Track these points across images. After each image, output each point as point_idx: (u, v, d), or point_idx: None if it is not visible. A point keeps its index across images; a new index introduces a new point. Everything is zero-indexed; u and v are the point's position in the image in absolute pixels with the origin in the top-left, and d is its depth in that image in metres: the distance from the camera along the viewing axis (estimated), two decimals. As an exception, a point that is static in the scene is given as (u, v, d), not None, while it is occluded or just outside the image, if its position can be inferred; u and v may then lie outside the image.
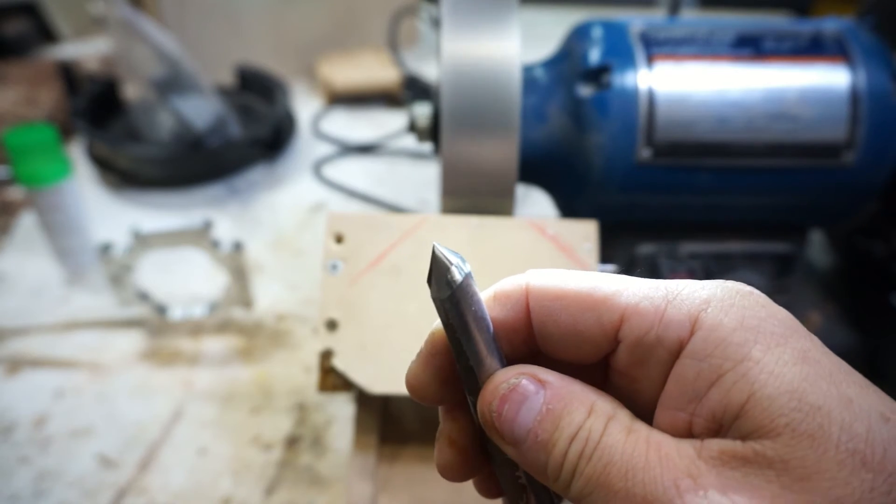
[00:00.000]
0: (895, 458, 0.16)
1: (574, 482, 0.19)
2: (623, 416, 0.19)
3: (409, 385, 0.22)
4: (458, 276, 0.20)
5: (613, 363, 0.21)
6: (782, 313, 0.19)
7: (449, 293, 0.20)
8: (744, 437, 0.17)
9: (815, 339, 0.19)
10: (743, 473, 0.17)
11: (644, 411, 0.20)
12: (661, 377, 0.20)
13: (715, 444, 0.18)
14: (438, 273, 0.20)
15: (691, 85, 0.51)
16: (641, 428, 0.19)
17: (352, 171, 0.89)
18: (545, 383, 0.20)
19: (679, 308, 0.19)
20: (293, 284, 0.70)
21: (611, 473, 0.18)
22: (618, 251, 0.56)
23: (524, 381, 0.20)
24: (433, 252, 0.20)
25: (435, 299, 0.20)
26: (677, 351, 0.19)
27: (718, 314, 0.18)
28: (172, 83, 0.85)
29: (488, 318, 0.21)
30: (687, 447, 0.18)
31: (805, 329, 0.19)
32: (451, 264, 0.20)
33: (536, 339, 0.21)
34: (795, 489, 0.16)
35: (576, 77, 0.52)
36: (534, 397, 0.20)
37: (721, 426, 0.18)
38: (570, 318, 0.20)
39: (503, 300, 0.21)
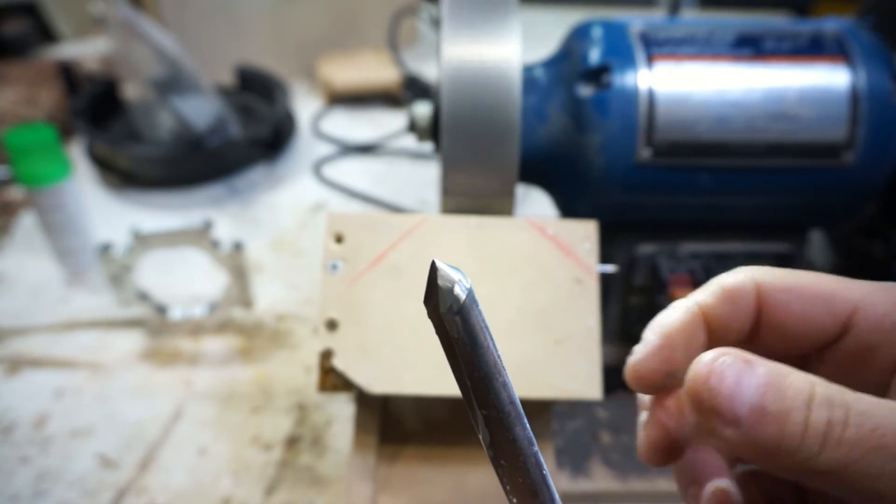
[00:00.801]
0: None
1: (825, 452, 0.17)
2: (847, 388, 0.18)
3: (635, 373, 0.22)
4: (465, 287, 0.20)
5: (831, 356, 0.21)
6: None
7: (459, 306, 0.20)
8: None
9: None
10: None
11: None
12: (892, 365, 0.20)
13: None
14: (444, 287, 0.20)
15: (691, 85, 0.51)
16: (873, 399, 0.18)
17: (352, 171, 0.89)
18: (751, 361, 0.19)
19: None
20: (293, 284, 0.70)
21: (886, 435, 0.17)
22: (618, 251, 0.56)
23: (731, 359, 0.19)
24: (434, 268, 0.20)
25: (443, 314, 0.20)
26: None
27: None
28: (172, 83, 0.85)
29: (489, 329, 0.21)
30: None
31: None
32: (455, 278, 0.20)
33: (761, 331, 0.22)
34: None
35: (576, 77, 0.52)
36: (749, 372, 0.19)
37: None
38: (801, 308, 0.21)
39: (732, 296, 0.22)
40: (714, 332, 0.22)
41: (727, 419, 0.18)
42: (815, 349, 0.22)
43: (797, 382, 0.18)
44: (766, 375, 0.18)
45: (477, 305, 0.20)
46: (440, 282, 0.20)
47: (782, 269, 0.22)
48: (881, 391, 0.20)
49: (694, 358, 0.20)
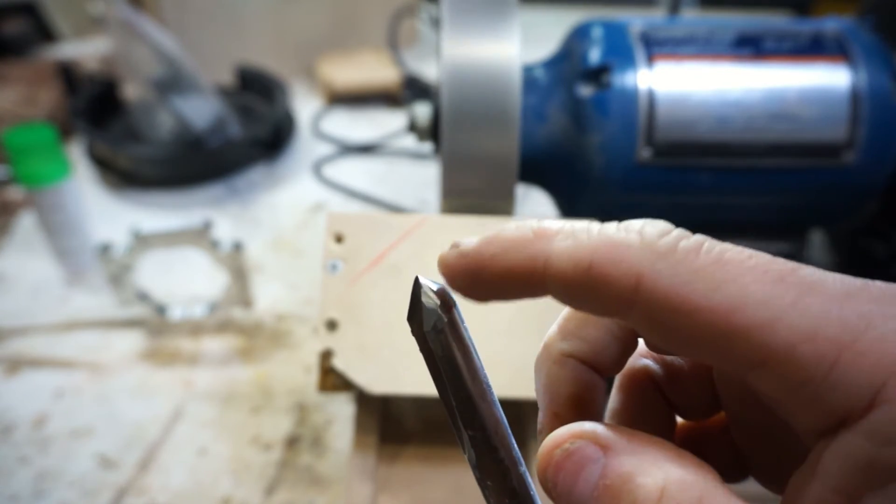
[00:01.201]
0: None
1: None
2: (718, 498, 0.15)
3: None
4: (449, 304, 0.19)
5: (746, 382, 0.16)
6: None
7: (443, 325, 0.19)
8: None
9: None
10: None
11: (776, 422, 0.16)
12: (811, 430, 0.15)
13: None
14: (427, 305, 0.19)
15: (691, 85, 0.51)
16: None
17: (352, 171, 0.89)
18: (607, 449, 0.16)
19: (857, 368, 0.14)
20: (293, 284, 0.70)
21: None
22: (618, 251, 0.56)
23: (582, 446, 0.17)
24: (417, 285, 0.20)
25: (427, 333, 0.20)
26: (843, 419, 0.14)
27: None
28: (172, 83, 0.85)
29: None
30: None
31: None
32: (439, 297, 0.19)
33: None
34: None
35: (576, 77, 0.52)
36: (592, 466, 0.16)
37: None
38: (696, 338, 0.16)
39: (598, 290, 0.17)
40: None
41: None
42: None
43: (639, 489, 0.15)
44: (606, 475, 0.16)
45: (463, 322, 0.19)
46: (424, 299, 0.19)
47: (692, 257, 0.16)
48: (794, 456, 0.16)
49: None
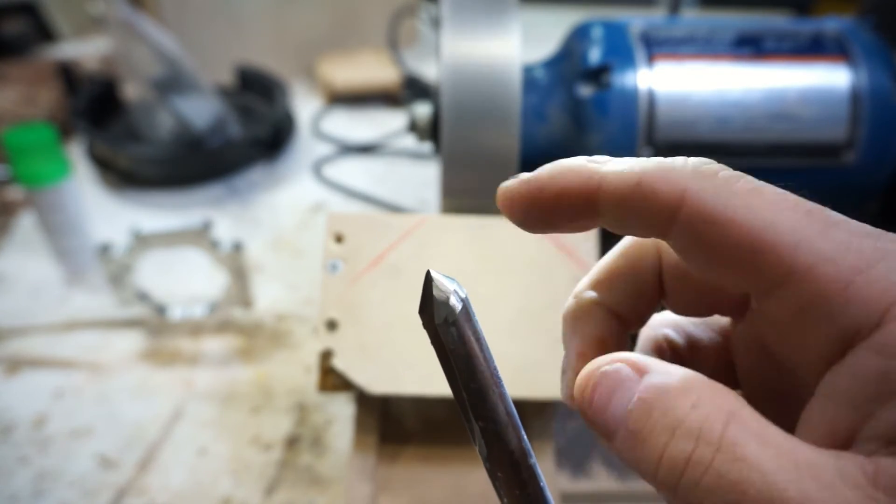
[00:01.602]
0: None
1: (680, 490, 0.15)
2: (750, 418, 0.15)
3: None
4: (461, 297, 0.20)
5: (763, 312, 0.17)
6: None
7: (455, 317, 0.20)
8: None
9: None
10: None
11: (789, 386, 0.18)
12: (821, 358, 0.16)
13: (894, 468, 0.14)
14: (439, 298, 0.20)
15: (691, 85, 0.51)
16: (779, 437, 0.15)
17: (352, 171, 0.89)
18: (645, 371, 0.17)
19: (872, 287, 0.15)
20: (293, 284, 0.70)
21: (746, 492, 0.14)
22: (618, 251, 0.56)
23: (620, 367, 0.17)
24: (428, 278, 0.20)
25: (439, 325, 0.20)
26: (852, 337, 0.15)
27: None
28: (172, 83, 0.85)
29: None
30: (853, 469, 0.14)
31: None
32: (451, 288, 0.20)
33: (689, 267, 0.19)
34: None
35: (576, 77, 0.52)
36: (629, 384, 0.17)
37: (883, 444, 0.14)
38: (726, 252, 0.17)
39: (647, 197, 0.18)
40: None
41: (601, 432, 0.18)
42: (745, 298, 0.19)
43: (673, 399, 0.16)
44: (642, 391, 0.17)
45: (473, 315, 0.20)
46: (435, 292, 0.20)
47: (736, 182, 0.17)
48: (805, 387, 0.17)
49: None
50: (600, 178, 0.18)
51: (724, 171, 0.17)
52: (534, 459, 0.20)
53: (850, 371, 0.15)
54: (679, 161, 0.17)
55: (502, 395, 0.21)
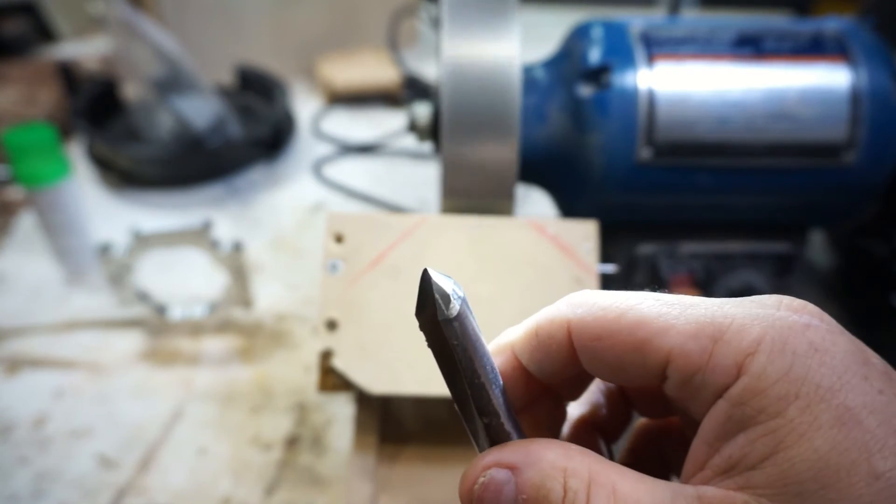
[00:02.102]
0: None
1: None
2: (607, 476, 0.19)
3: None
4: (460, 295, 0.20)
5: (664, 389, 0.21)
6: (840, 350, 0.18)
7: (456, 313, 0.20)
8: (750, 489, 0.17)
9: (876, 371, 0.18)
10: None
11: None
12: (705, 411, 0.19)
13: (711, 492, 0.18)
14: (440, 295, 0.20)
15: (691, 85, 0.51)
16: (628, 484, 0.18)
17: (352, 171, 0.89)
18: (514, 469, 0.20)
19: (727, 352, 0.18)
20: (293, 284, 0.70)
21: None
22: (618, 251, 0.56)
23: (493, 473, 0.20)
24: (426, 277, 0.20)
25: (441, 322, 0.20)
26: (722, 393, 0.18)
27: (765, 362, 0.18)
28: (172, 83, 0.85)
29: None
30: (683, 500, 0.18)
31: (866, 359, 0.18)
32: (450, 286, 0.20)
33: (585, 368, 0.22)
34: None
35: (576, 77, 0.52)
36: (507, 488, 0.19)
37: (734, 469, 0.18)
38: (616, 358, 0.20)
39: (547, 343, 0.22)
40: (534, 370, 0.23)
41: None
42: (647, 387, 0.22)
43: (550, 493, 0.19)
44: (521, 491, 0.19)
45: (471, 312, 0.20)
46: (435, 289, 0.20)
47: (602, 301, 0.20)
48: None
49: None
50: (512, 343, 0.23)
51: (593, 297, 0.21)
52: None
53: (710, 416, 0.19)
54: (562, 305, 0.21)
55: (504, 389, 0.21)
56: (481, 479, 0.20)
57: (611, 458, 0.24)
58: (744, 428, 0.18)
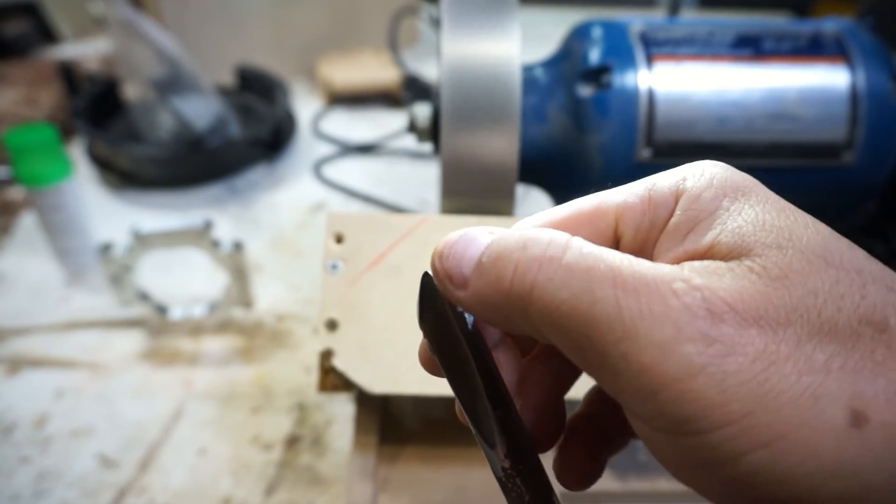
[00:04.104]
0: (852, 261, 0.18)
1: (536, 289, 0.18)
2: (588, 242, 0.19)
3: None
4: None
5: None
6: (742, 174, 0.21)
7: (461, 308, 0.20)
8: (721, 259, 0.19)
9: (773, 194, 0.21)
10: (731, 277, 0.18)
11: None
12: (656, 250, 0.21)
13: (696, 263, 0.18)
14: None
15: (691, 85, 0.51)
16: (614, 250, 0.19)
17: (352, 171, 0.89)
18: (495, 231, 0.20)
19: (661, 190, 0.21)
20: (293, 284, 0.70)
21: (593, 276, 0.18)
22: (618, 251, 0.56)
23: (475, 229, 0.20)
24: (427, 279, 0.20)
25: (457, 314, 0.20)
26: (667, 223, 0.20)
27: (693, 181, 0.20)
28: (172, 83, 0.85)
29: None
30: (669, 266, 0.19)
31: (765, 187, 0.21)
32: None
33: None
34: (777, 286, 0.17)
35: (576, 77, 0.52)
36: (478, 240, 0.20)
37: (695, 259, 0.19)
38: (585, 233, 0.21)
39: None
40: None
41: (456, 282, 0.20)
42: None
43: (515, 233, 0.19)
44: (492, 236, 0.20)
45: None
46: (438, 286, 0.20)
47: (544, 214, 0.22)
48: None
49: None
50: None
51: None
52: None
53: (663, 236, 0.20)
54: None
55: (506, 385, 0.21)
56: (463, 232, 0.20)
57: (608, 456, 0.23)
58: (692, 227, 0.19)
